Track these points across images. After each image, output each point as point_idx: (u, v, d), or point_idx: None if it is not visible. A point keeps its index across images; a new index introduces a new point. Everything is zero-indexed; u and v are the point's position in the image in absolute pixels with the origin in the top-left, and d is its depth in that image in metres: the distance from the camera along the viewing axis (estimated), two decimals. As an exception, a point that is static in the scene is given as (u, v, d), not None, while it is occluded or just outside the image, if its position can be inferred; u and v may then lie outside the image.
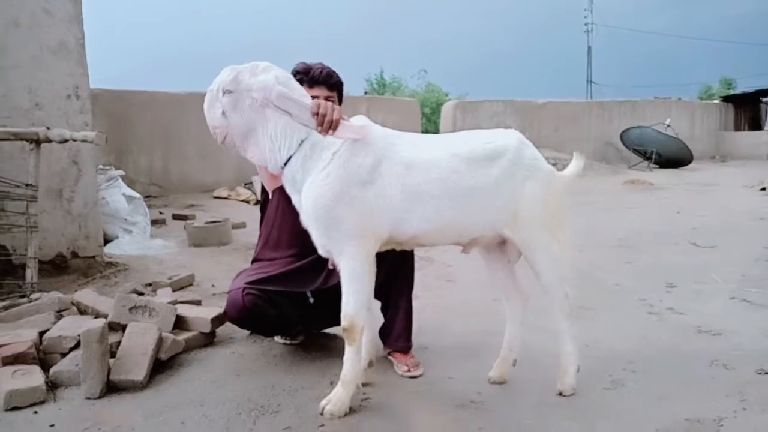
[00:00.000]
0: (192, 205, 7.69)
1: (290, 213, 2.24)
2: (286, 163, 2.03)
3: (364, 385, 2.16)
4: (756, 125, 20.32)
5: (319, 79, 2.44)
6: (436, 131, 19.55)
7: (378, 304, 2.51)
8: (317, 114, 2.00)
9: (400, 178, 2.01)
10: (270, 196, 2.47)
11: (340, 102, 2.50)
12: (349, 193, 1.97)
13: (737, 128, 20.01)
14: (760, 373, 2.42)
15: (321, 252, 2.11)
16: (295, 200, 2.10)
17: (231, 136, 2.04)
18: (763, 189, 9.27)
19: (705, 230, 5.88)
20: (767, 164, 15.08)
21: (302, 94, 2.06)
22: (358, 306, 2.02)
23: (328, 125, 1.99)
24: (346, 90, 2.66)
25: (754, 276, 4.06)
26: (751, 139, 18.41)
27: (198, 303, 3.05)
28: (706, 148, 17.49)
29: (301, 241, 2.28)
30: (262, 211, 2.70)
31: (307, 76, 2.42)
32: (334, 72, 2.48)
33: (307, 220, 2.05)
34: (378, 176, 2.00)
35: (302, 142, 2.01)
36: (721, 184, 10.73)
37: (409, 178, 2.01)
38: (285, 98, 1.98)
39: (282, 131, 2.01)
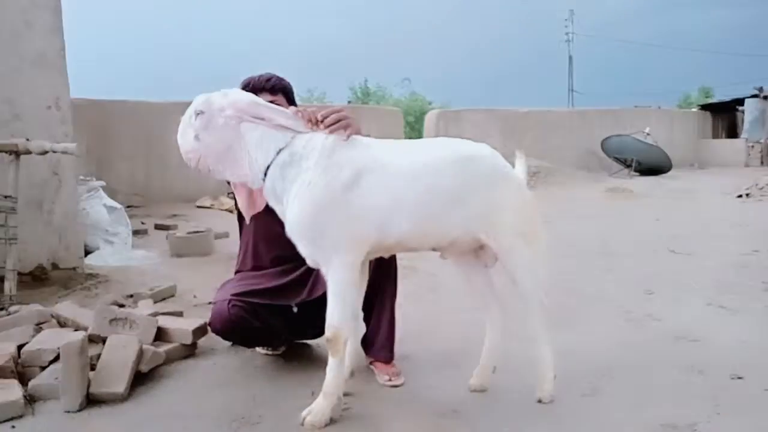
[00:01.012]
0: (174, 215, 7.65)
1: (272, 223, 2.25)
2: (265, 175, 2.04)
3: (345, 395, 2.17)
4: (732, 133, 20.74)
5: (258, 85, 2.47)
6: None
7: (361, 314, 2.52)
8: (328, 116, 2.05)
9: (381, 183, 2.03)
10: (247, 221, 2.44)
11: (289, 104, 2.51)
12: (332, 200, 1.98)
13: (715, 136, 20.41)
14: (733, 378, 2.48)
15: (309, 262, 2.12)
16: (278, 210, 2.11)
17: (204, 158, 2.06)
18: (740, 196, 9.45)
19: (683, 237, 5.98)
20: (744, 171, 15.38)
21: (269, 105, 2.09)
22: (343, 317, 2.03)
23: (340, 126, 2.05)
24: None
25: (729, 282, 4.13)
26: (728, 146, 18.78)
27: (179, 314, 3.04)
28: (684, 155, 17.76)
29: (284, 252, 2.29)
30: (240, 220, 2.70)
31: (249, 86, 2.45)
32: (273, 75, 2.52)
33: (291, 231, 2.06)
34: (359, 182, 2.01)
35: (280, 150, 2.03)
36: (700, 191, 10.91)
37: (390, 183, 2.04)
38: (256, 104, 2.02)
39: (257, 142, 2.03)
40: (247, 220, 2.35)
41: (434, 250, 2.25)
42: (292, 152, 2.02)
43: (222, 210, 8.21)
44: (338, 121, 2.06)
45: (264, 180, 2.05)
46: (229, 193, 8.98)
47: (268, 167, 2.03)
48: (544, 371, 2.23)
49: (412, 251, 2.29)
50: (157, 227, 6.54)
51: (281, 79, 2.51)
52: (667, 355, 2.78)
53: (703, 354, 2.78)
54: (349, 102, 24.19)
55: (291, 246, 2.10)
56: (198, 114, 2.02)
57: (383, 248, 2.16)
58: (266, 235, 2.51)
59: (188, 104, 2.11)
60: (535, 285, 2.19)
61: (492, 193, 2.14)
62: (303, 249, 2.08)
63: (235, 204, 2.59)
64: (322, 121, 2.06)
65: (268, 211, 2.24)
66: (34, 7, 3.70)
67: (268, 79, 2.47)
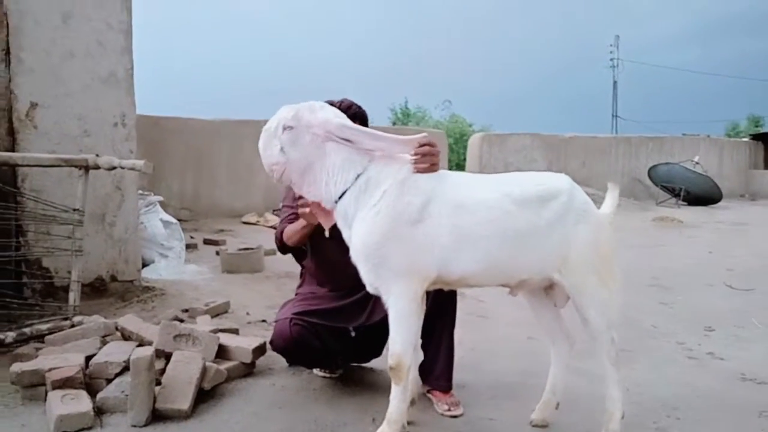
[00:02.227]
0: (221, 230, 7.79)
1: (337, 247, 2.26)
2: (340, 197, 2.06)
3: (408, 423, 2.15)
4: (786, 164, 20.03)
5: (355, 116, 2.48)
6: (460, 162, 19.62)
7: (420, 341, 2.51)
8: (423, 146, 2.04)
9: (449, 218, 2.01)
10: (327, 234, 2.33)
11: None
12: (398, 231, 1.98)
13: (767, 167, 19.75)
14: (810, 427, 2.36)
15: (369, 289, 2.11)
16: (345, 235, 2.12)
17: (288, 172, 2.07)
18: (797, 230, 9.09)
19: (740, 272, 5.78)
20: (798, 204, 14.82)
21: (360, 126, 2.10)
22: (406, 345, 2.01)
23: (426, 161, 2.04)
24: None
25: (794, 322, 3.97)
26: (781, 178, 18.14)
27: (235, 331, 3.08)
28: (734, 186, 17.26)
29: (347, 277, 2.30)
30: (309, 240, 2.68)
31: None
32: (353, 103, 2.55)
33: (356, 257, 2.06)
34: (427, 215, 2.01)
35: (358, 176, 2.03)
36: (752, 223, 10.56)
37: (458, 219, 2.01)
38: (346, 128, 2.02)
39: (340, 165, 2.04)
40: (327, 233, 2.28)
41: (503, 286, 2.22)
42: (368, 178, 2.03)
43: (267, 227, 8.31)
44: (425, 155, 2.06)
45: (336, 203, 2.07)
46: (274, 211, 9.11)
47: (344, 192, 2.04)
48: (612, 410, 2.15)
49: (479, 287, 2.26)
50: (206, 242, 6.66)
51: (360, 108, 2.54)
52: (735, 397, 2.67)
53: (773, 398, 2.66)
54: (394, 124, 24.36)
55: (354, 271, 2.11)
56: (286, 128, 2.05)
57: (446, 283, 2.13)
58: (331, 258, 2.53)
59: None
60: (607, 324, 2.12)
61: (569, 231, 2.08)
62: (365, 275, 2.07)
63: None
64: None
65: (334, 234, 2.25)
66: (108, 29, 3.85)
67: (349, 107, 2.49)
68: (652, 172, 14.81)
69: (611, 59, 38.87)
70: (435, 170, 2.08)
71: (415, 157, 2.04)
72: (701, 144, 17.60)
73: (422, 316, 2.10)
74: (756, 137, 20.97)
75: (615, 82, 38.51)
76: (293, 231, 2.54)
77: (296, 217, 2.52)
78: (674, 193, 14.22)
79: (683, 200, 14.02)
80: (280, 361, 2.79)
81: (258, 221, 8.62)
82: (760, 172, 18.93)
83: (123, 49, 3.94)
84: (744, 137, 22.60)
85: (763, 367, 3.06)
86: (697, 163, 14.91)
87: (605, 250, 2.13)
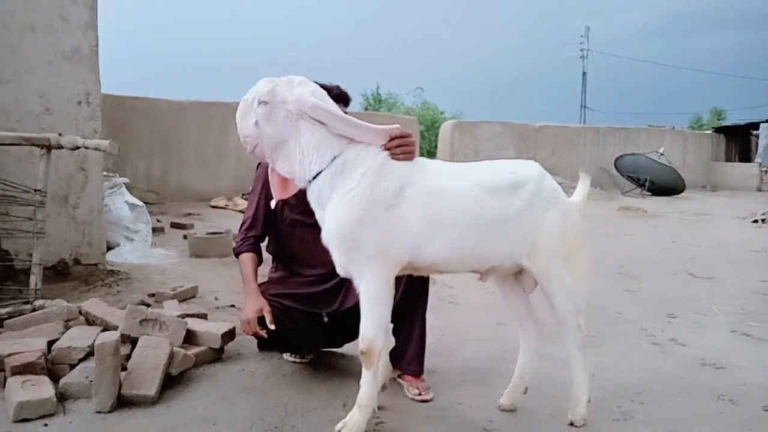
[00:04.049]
0: (189, 214, 7.65)
1: (311, 235, 2.25)
2: (314, 178, 2.03)
3: (378, 408, 2.15)
4: (746, 157, 20.67)
5: (337, 97, 2.46)
6: (431, 149, 19.65)
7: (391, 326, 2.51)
8: (396, 138, 2.05)
9: (423, 205, 2.01)
10: (273, 205, 2.42)
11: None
12: (373, 216, 1.97)
13: (728, 159, 20.35)
14: (766, 410, 2.45)
15: (340, 272, 2.10)
16: (318, 215, 2.10)
17: (261, 146, 2.05)
18: (755, 221, 9.38)
19: (701, 261, 5.94)
20: (757, 196, 15.30)
21: (336, 109, 2.07)
22: (377, 329, 2.01)
23: (400, 152, 2.04)
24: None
25: (752, 310, 4.10)
26: (742, 170, 18.71)
27: (204, 316, 3.03)
28: (697, 177, 17.71)
29: (321, 262, 2.29)
30: (273, 220, 2.65)
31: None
32: (336, 86, 2.52)
33: (328, 239, 2.05)
34: (402, 201, 2.00)
35: (335, 158, 2.01)
36: (714, 214, 10.86)
37: (432, 206, 2.02)
38: (319, 109, 1.99)
39: (315, 145, 2.01)
40: (273, 203, 2.33)
41: (473, 272, 2.23)
42: (344, 161, 2.01)
43: (236, 210, 8.20)
44: (400, 146, 2.06)
45: (310, 183, 2.04)
46: (243, 194, 8.99)
47: (319, 172, 2.02)
48: (578, 394, 2.20)
49: (449, 273, 2.27)
50: (174, 225, 6.54)
51: (342, 90, 2.50)
52: (695, 382, 2.75)
53: (732, 382, 2.75)
54: (366, 109, 24.21)
55: (327, 257, 2.10)
56: (261, 103, 2.01)
57: (417, 269, 2.14)
58: (302, 242, 2.52)
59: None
60: (574, 309, 2.16)
61: (537, 218, 2.10)
62: (337, 258, 2.06)
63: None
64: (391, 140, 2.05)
65: (306, 219, 2.23)
66: (72, 4, 3.71)
67: (345, 94, 2.49)
68: (618, 162, 15.09)
69: (581, 50, 39.38)
70: (410, 159, 2.08)
71: (390, 150, 2.04)
72: (666, 135, 18.00)
73: (392, 301, 2.10)
74: (718, 130, 21.59)
75: (584, 73, 39.07)
76: (241, 268, 2.56)
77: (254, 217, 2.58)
78: (639, 183, 14.52)
79: (648, 190, 14.33)
80: (250, 346, 2.77)
81: (227, 205, 8.50)
82: (722, 164, 19.48)
83: (87, 24, 3.80)
84: (707, 130, 23.21)
85: (722, 353, 3.16)
86: (661, 154, 15.24)
87: (573, 237, 2.16)
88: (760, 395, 2.59)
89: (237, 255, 2.60)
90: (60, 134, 3.26)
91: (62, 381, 2.21)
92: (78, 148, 3.27)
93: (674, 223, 9.46)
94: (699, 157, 18.76)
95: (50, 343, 2.39)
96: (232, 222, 6.93)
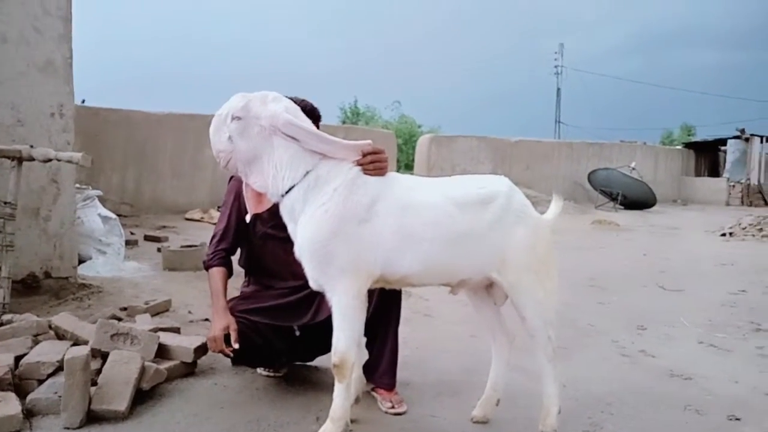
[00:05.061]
0: (164, 227, 7.58)
1: (282, 248, 2.25)
2: (287, 192, 2.05)
3: (351, 421, 2.15)
4: (714, 172, 21.22)
5: (309, 113, 2.47)
6: (409, 162, 19.76)
7: (364, 339, 2.52)
8: (369, 154, 2.07)
9: (395, 219, 2.04)
10: (248, 219, 2.40)
11: None
12: (346, 229, 1.99)
13: (698, 174, 20.86)
14: (731, 419, 2.51)
15: (312, 285, 2.11)
16: (290, 229, 2.11)
17: (234, 161, 2.06)
18: (723, 234, 9.62)
19: (671, 273, 6.07)
20: (726, 210, 15.69)
21: (310, 125, 2.09)
22: (349, 342, 2.03)
23: (372, 168, 2.06)
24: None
25: (719, 321, 4.20)
26: (711, 185, 19.22)
27: (177, 330, 3.00)
28: (668, 191, 18.11)
29: (292, 274, 2.29)
30: (246, 234, 2.66)
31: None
32: (308, 102, 2.52)
33: (301, 253, 2.06)
34: (374, 215, 2.03)
35: (308, 173, 2.03)
36: (684, 227, 11.10)
37: (404, 220, 2.04)
38: (293, 125, 2.00)
39: (288, 161, 2.03)
40: (248, 217, 2.32)
41: (444, 285, 2.26)
42: (317, 176, 2.03)
43: (211, 223, 8.14)
44: (372, 162, 2.08)
45: (283, 197, 2.06)
46: (219, 207, 8.93)
47: (292, 187, 2.03)
48: (548, 405, 2.23)
49: (420, 286, 2.29)
50: (147, 238, 6.47)
51: (312, 106, 2.52)
52: (663, 393, 2.81)
53: (698, 393, 2.81)
54: (343, 122, 24.27)
55: (299, 270, 2.11)
56: (234, 118, 2.02)
57: (389, 282, 2.15)
58: (274, 256, 2.52)
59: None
60: (544, 322, 2.19)
61: (507, 232, 2.14)
62: (309, 271, 2.08)
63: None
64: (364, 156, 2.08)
65: (278, 233, 2.24)
66: (45, 15, 3.69)
67: (314, 109, 2.49)
68: (591, 177, 15.36)
69: (555, 67, 40.07)
70: (382, 174, 2.10)
71: (361, 165, 2.06)
72: (638, 151, 18.41)
73: (365, 313, 2.12)
74: (688, 146, 22.14)
75: (559, 90, 39.72)
76: (210, 283, 2.54)
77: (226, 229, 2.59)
78: (612, 197, 14.80)
79: (620, 204, 14.61)
80: (223, 360, 2.74)
81: (202, 218, 8.45)
82: (692, 178, 19.98)
83: (62, 36, 3.78)
84: (677, 145, 23.75)
85: (689, 364, 3.23)
86: (633, 168, 15.58)
87: (542, 251, 2.20)
88: (725, 405, 2.65)
89: (207, 269, 2.59)
90: (32, 146, 3.23)
91: (29, 397, 2.17)
92: (50, 160, 3.24)
93: (645, 236, 9.65)
94: (670, 171, 19.21)
95: (18, 358, 2.35)
96: (207, 235, 6.81)
